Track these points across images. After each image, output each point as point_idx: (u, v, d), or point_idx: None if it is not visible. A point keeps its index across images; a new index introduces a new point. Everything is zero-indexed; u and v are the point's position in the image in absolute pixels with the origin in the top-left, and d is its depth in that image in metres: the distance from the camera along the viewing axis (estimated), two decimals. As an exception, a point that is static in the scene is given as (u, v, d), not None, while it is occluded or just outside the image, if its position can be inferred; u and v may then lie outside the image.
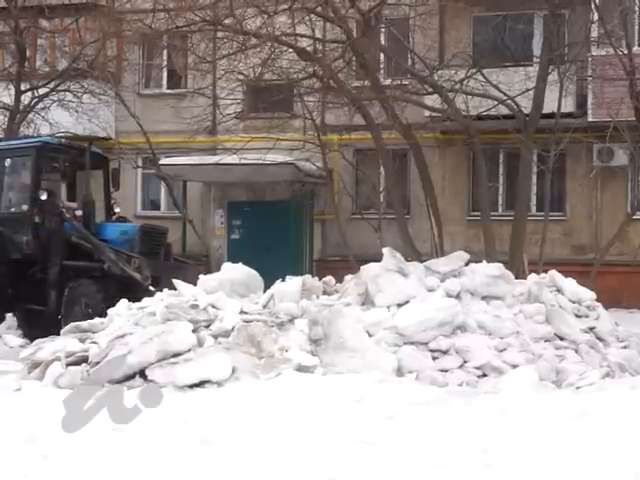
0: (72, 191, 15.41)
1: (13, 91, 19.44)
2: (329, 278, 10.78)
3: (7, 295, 13.82)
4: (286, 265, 17.99)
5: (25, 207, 14.26)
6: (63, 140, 15.76)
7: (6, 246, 14.10)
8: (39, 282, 13.82)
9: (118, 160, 18.69)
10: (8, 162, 14.56)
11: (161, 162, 20.58)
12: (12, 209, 14.52)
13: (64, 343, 9.69)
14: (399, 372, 8.95)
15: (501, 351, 9.30)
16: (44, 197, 13.97)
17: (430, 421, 7.03)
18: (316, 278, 10.71)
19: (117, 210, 15.50)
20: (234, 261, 11.18)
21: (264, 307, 9.79)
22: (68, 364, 9.15)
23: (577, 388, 8.72)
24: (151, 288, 12.04)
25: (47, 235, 14.03)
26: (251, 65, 16.58)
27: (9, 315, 14.47)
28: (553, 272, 10.77)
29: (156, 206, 22.99)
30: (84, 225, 14.08)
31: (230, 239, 21.61)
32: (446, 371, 9.00)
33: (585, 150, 19.21)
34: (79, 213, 14.45)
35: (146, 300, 10.22)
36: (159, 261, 14.21)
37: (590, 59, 18.04)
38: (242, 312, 9.58)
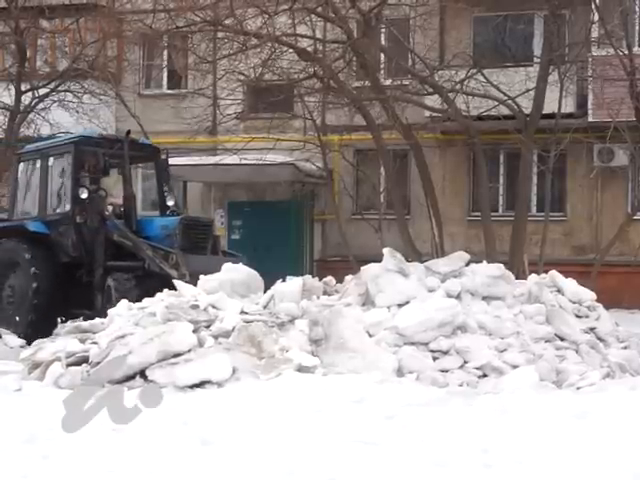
0: (128, 186, 14.63)
1: (13, 91, 19.46)
2: (329, 278, 10.76)
3: (57, 301, 13.24)
4: (286, 265, 18.01)
5: (67, 207, 13.72)
6: (104, 133, 15.02)
7: (54, 249, 13.60)
8: (86, 285, 13.22)
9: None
10: (51, 161, 14.03)
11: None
12: (57, 210, 13.96)
13: (64, 343, 9.69)
14: (399, 372, 8.94)
15: (501, 351, 9.29)
16: (84, 195, 13.35)
17: (430, 421, 7.03)
18: (316, 278, 10.69)
19: (170, 203, 14.61)
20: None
21: (264, 307, 9.79)
22: (68, 364, 9.15)
23: (577, 388, 8.71)
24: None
25: (91, 235, 13.42)
26: (251, 65, 16.61)
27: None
28: (553, 272, 10.76)
29: (156, 206, 22.94)
30: (125, 221, 13.49)
31: (230, 239, 21.59)
32: (446, 371, 8.99)
33: (585, 150, 19.21)
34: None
35: (146, 300, 10.20)
36: (205, 256, 13.15)
37: (590, 59, 18.04)
38: (242, 312, 9.57)
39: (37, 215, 14.03)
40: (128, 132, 14.23)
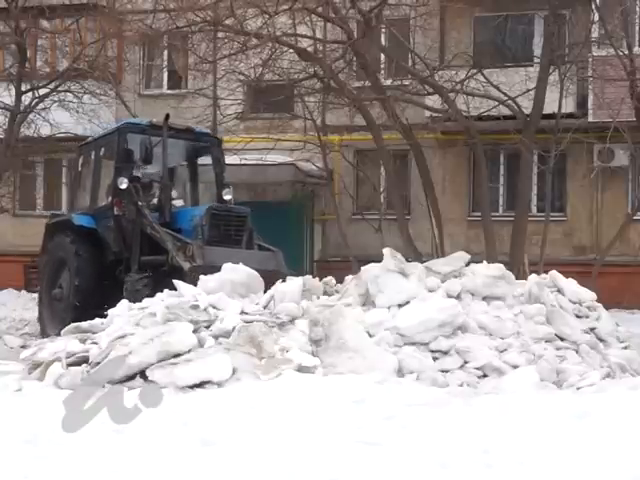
0: (194, 178, 14.25)
1: (14, 91, 19.44)
2: (329, 279, 10.76)
3: (97, 301, 12.37)
4: (286, 265, 17.97)
5: (109, 199, 13.22)
6: (154, 120, 13.76)
7: (102, 245, 13.08)
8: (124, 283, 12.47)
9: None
10: (102, 152, 13.62)
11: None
12: (103, 202, 13.49)
13: (65, 343, 9.69)
14: (400, 373, 8.94)
15: (502, 352, 9.30)
16: (124, 186, 12.69)
17: (431, 422, 7.02)
18: (317, 279, 10.70)
19: (227, 198, 13.62)
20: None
21: (265, 308, 9.79)
22: (69, 364, 9.14)
23: (578, 389, 8.71)
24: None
25: (130, 229, 12.75)
26: (252, 65, 16.64)
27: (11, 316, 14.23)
28: (554, 272, 10.75)
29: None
30: (159, 213, 12.85)
31: (231, 239, 21.53)
32: (447, 372, 8.99)
33: (585, 150, 19.20)
34: (179, 203, 13.40)
35: (147, 300, 10.19)
36: (232, 248, 12.26)
37: (591, 59, 18.05)
38: (243, 313, 9.57)
39: (87, 208, 13.65)
40: (167, 116, 13.40)
